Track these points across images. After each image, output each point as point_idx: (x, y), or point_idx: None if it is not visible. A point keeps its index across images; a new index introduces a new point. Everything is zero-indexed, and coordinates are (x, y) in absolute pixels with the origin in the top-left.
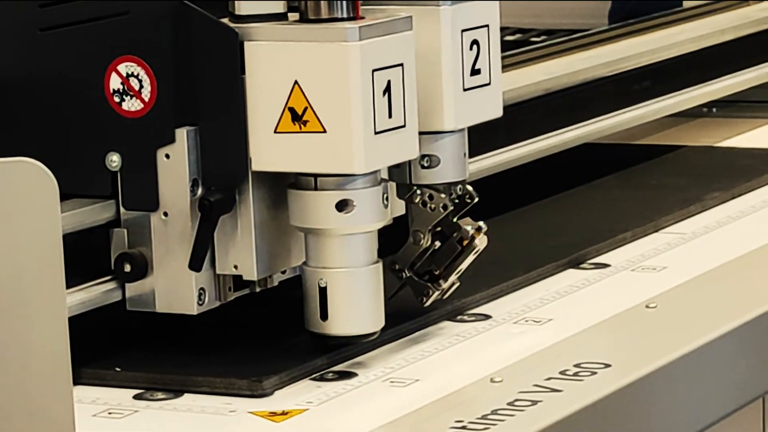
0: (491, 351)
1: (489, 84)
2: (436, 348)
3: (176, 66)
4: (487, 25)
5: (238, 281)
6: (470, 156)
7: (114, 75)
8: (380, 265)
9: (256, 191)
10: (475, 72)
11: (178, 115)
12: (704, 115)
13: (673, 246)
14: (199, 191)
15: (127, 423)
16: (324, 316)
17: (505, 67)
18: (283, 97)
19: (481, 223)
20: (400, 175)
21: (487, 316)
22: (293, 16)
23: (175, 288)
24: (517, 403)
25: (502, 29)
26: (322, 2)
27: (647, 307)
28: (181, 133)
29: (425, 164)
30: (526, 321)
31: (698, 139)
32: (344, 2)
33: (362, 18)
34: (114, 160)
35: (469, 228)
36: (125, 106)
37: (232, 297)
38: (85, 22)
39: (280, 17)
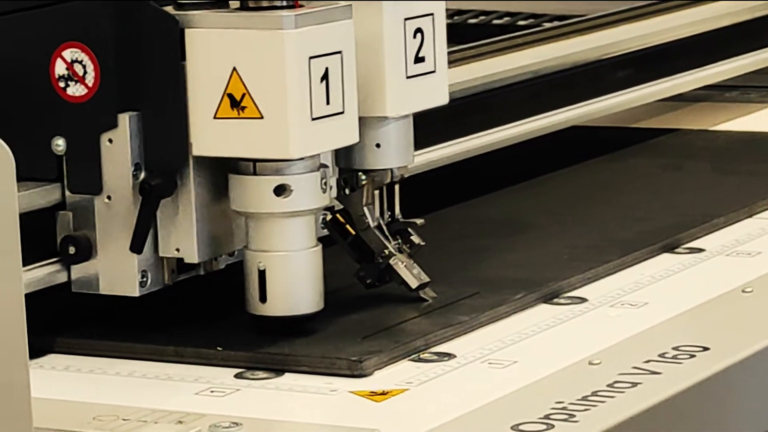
0: (588, 333)
1: (434, 72)
2: (533, 330)
3: (119, 52)
4: (431, 14)
5: (183, 264)
6: None
7: (59, 61)
8: (319, 248)
9: (197, 176)
10: (419, 60)
11: (120, 101)
12: None
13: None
14: (142, 175)
15: (228, 401)
16: (263, 298)
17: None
18: (222, 83)
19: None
20: (346, 160)
21: (583, 299)
22: (234, 3)
23: (117, 270)
24: (617, 385)
25: (513, 14)
26: None
27: (743, 291)
28: (124, 119)
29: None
30: (622, 304)
31: None
32: None
33: (301, 6)
34: (59, 144)
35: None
36: (70, 91)
37: (178, 279)
38: (31, 9)
39: (221, 5)
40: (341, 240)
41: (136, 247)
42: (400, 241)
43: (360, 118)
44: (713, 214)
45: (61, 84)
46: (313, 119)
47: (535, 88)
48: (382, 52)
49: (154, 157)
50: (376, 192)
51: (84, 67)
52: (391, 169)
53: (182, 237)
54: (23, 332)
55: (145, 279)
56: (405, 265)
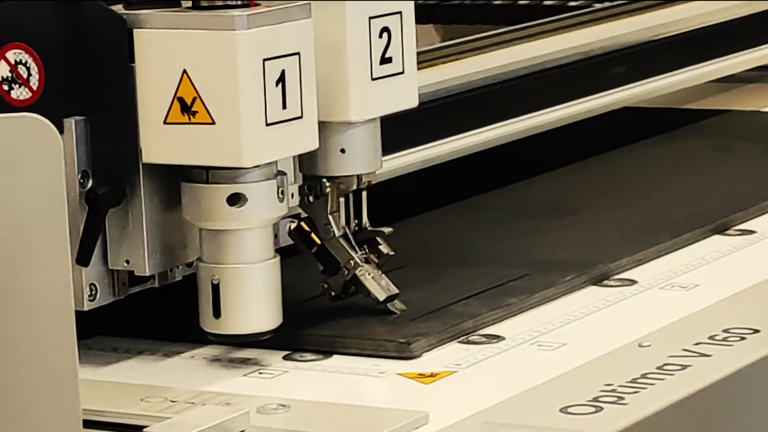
0: (638, 316)
1: (402, 73)
2: (583, 312)
3: (64, 54)
4: (399, 12)
5: (134, 276)
6: None
7: (2, 62)
8: (276, 261)
9: (148, 184)
10: (385, 60)
11: (66, 105)
12: None
13: None
14: (89, 183)
15: (277, 383)
16: (217, 313)
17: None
18: (172, 86)
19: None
20: (309, 166)
21: (633, 281)
22: (187, 3)
23: None
24: (666, 368)
25: None
26: None
27: None
28: (70, 123)
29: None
30: (672, 286)
31: None
32: None
33: (256, 5)
34: None
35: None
36: (14, 94)
37: (130, 292)
38: None
39: (172, 4)
40: (306, 250)
41: (83, 259)
42: (367, 250)
43: (323, 123)
44: (765, 196)
45: (5, 87)
46: (268, 125)
47: (585, 69)
48: (344, 53)
49: (102, 164)
50: (342, 199)
51: (28, 69)
52: (358, 176)
53: (132, 249)
54: (71, 313)
55: (94, 292)
56: (372, 277)
